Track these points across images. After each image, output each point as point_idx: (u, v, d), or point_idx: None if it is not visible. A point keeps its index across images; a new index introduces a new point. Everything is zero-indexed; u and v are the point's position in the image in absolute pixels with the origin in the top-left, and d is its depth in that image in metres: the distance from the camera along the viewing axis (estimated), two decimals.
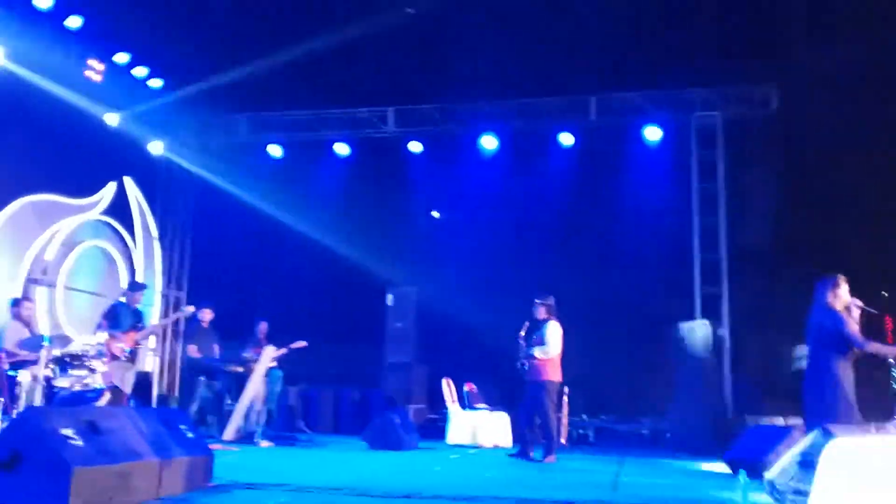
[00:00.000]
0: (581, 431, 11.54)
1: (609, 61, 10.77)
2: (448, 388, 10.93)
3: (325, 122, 13.07)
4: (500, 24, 10.49)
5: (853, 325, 5.71)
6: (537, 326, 8.17)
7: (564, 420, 10.46)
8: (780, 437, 6.64)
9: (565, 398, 10.37)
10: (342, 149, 13.31)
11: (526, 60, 10.91)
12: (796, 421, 8.23)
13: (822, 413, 5.54)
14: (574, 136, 12.45)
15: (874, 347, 5.65)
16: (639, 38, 10.15)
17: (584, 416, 11.78)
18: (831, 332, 5.69)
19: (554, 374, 8.09)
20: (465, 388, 11.07)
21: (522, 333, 8.20)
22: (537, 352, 8.03)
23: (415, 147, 13.15)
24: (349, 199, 13.14)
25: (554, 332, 8.10)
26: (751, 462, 6.34)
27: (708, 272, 11.45)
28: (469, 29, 10.56)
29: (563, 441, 10.12)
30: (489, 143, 12.79)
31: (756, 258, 11.16)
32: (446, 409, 10.91)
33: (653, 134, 12.11)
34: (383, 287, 12.72)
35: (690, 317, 11.28)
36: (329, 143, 13.30)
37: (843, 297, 5.79)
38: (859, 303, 5.85)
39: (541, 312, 8.21)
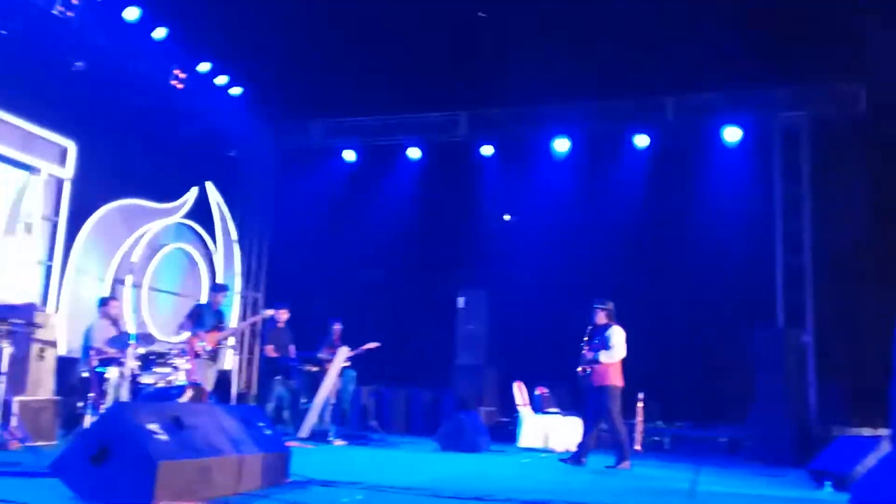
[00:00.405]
0: (656, 438, 11.29)
1: (688, 59, 10.47)
2: (519, 391, 10.87)
3: (398, 126, 13.21)
4: (572, 25, 10.35)
5: None
6: (598, 331, 8.07)
7: (639, 426, 10.25)
8: (868, 448, 6.34)
9: (640, 404, 10.17)
10: (415, 153, 13.43)
11: (600, 61, 10.73)
12: (885, 431, 7.85)
13: None
14: (650, 137, 12.20)
15: None
16: (718, 35, 9.81)
17: (660, 423, 11.52)
18: None
19: (616, 378, 7.97)
20: (537, 391, 10.98)
21: (586, 339, 8.10)
22: (603, 356, 7.92)
23: (487, 150, 13.14)
24: (422, 203, 13.22)
25: (618, 336, 7.99)
26: (838, 474, 6.09)
27: (792, 277, 11.07)
28: (541, 31, 10.47)
29: (637, 447, 9.92)
30: (562, 145, 12.67)
31: (843, 263, 10.69)
32: (517, 412, 10.85)
33: (732, 135, 11.76)
34: (455, 290, 12.75)
35: (772, 322, 10.92)
36: (402, 148, 13.44)
37: None
38: None
39: (600, 317, 8.11)
